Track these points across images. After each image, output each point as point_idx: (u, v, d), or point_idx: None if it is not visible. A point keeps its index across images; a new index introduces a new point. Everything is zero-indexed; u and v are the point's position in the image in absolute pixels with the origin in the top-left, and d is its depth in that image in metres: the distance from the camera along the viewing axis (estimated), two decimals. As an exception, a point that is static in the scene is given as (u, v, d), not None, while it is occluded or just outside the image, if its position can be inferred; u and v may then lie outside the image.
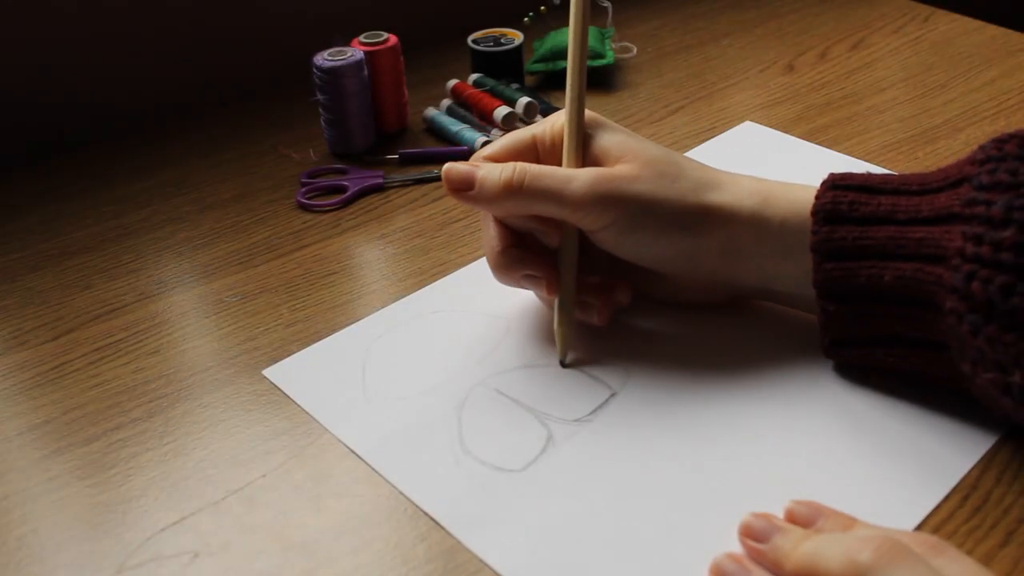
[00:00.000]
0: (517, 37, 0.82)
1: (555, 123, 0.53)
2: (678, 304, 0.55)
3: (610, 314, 0.53)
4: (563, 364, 0.52)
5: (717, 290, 0.54)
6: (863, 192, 0.48)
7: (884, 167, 0.68)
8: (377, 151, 0.75)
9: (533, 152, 0.54)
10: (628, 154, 0.51)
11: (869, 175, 0.49)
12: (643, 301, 0.55)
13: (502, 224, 0.53)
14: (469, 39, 0.82)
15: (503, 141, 0.54)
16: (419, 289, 0.59)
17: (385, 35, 0.75)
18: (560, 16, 0.86)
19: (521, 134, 0.54)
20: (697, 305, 0.55)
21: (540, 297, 0.56)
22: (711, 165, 0.53)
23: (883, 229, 0.46)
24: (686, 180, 0.50)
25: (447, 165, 0.51)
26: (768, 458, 0.46)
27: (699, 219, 0.49)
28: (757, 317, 0.55)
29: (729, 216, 0.50)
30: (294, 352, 0.55)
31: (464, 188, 0.51)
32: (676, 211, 0.49)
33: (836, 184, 0.48)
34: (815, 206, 0.48)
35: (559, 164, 0.52)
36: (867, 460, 0.45)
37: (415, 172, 0.72)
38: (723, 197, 0.50)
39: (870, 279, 0.46)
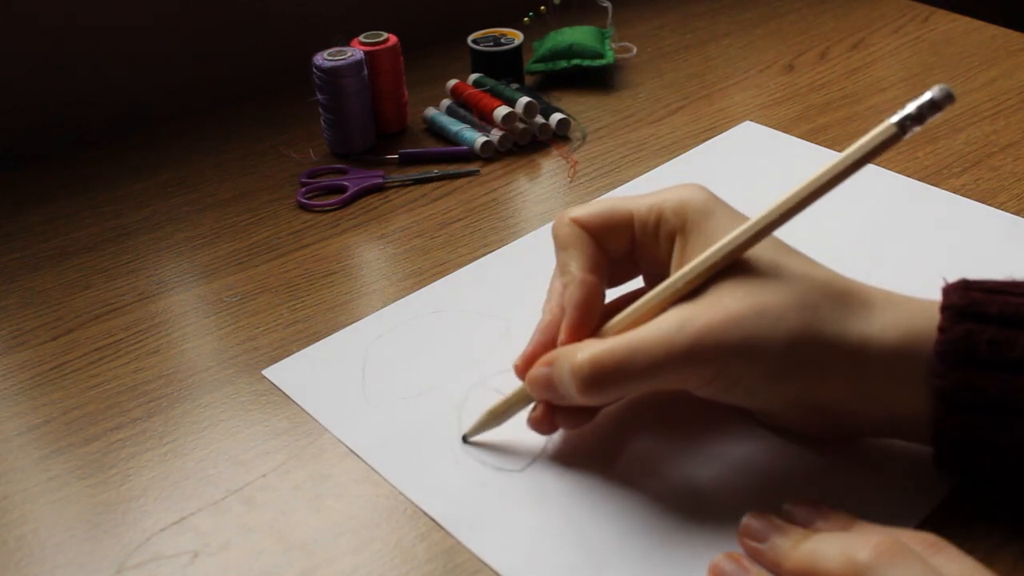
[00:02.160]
0: (517, 37, 0.82)
1: (663, 207, 0.45)
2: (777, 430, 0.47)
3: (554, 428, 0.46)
4: (465, 439, 0.48)
5: (827, 429, 0.45)
6: (1006, 327, 0.39)
7: (884, 167, 0.68)
8: (377, 151, 0.75)
9: (627, 231, 0.46)
10: (723, 279, 0.42)
11: (1007, 303, 0.40)
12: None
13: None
14: (469, 39, 0.82)
15: (596, 209, 0.46)
16: (419, 289, 0.59)
17: (385, 35, 0.75)
18: (560, 16, 0.86)
19: (618, 207, 0.46)
20: (806, 437, 0.46)
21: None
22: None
23: None
24: (799, 309, 0.41)
25: (530, 378, 0.45)
26: (767, 458, 0.46)
27: (815, 358, 0.41)
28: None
29: (856, 350, 0.41)
30: (294, 352, 0.55)
31: (552, 397, 0.44)
32: (785, 354, 0.40)
33: (968, 313, 0.40)
34: (940, 343, 0.39)
35: (658, 255, 0.46)
36: (867, 460, 0.45)
37: (415, 172, 0.72)
38: (849, 325, 0.41)
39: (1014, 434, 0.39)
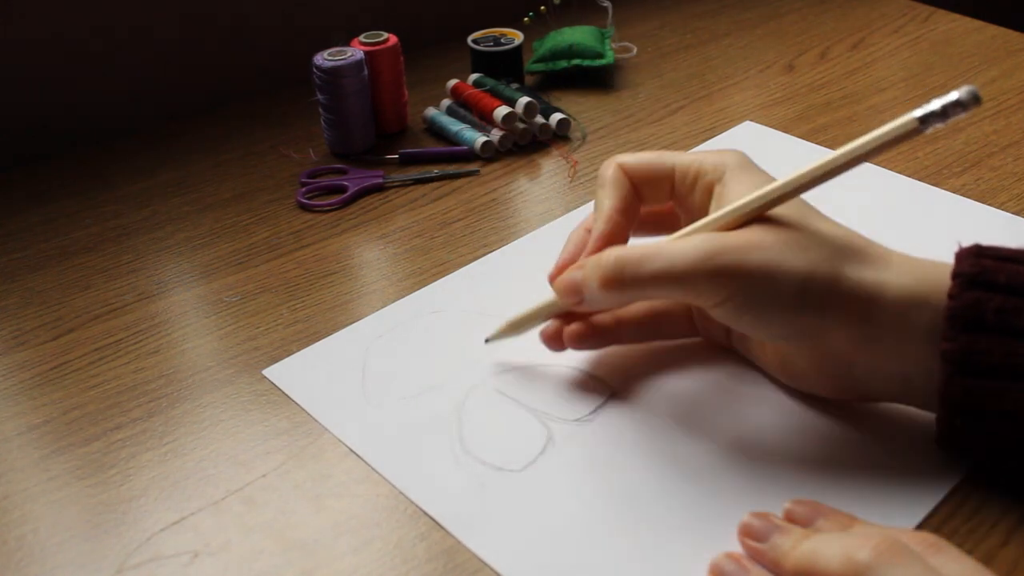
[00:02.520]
0: (517, 37, 0.82)
1: (703, 162, 0.48)
2: (790, 388, 0.49)
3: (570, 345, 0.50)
4: (486, 341, 0.53)
5: (839, 381, 0.46)
6: (1014, 295, 0.40)
7: (883, 167, 0.68)
8: (377, 151, 0.75)
9: (667, 182, 0.49)
10: (753, 223, 0.44)
11: (1017, 272, 0.41)
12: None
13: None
14: (469, 39, 0.82)
15: (642, 159, 0.50)
16: (419, 289, 0.59)
17: (385, 35, 0.75)
18: (560, 16, 0.86)
19: (663, 158, 0.49)
20: (813, 395, 0.48)
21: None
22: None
23: None
24: (819, 248, 0.43)
25: (558, 281, 0.49)
26: (767, 457, 0.46)
27: (829, 296, 0.42)
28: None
29: (870, 296, 0.42)
30: (294, 352, 0.55)
31: (576, 300, 0.48)
32: (802, 285, 0.42)
33: (977, 281, 0.41)
34: (950, 308, 0.41)
35: (693, 204, 0.49)
36: (867, 460, 0.45)
37: (415, 172, 0.72)
38: (864, 273, 0.43)
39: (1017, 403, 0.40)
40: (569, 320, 0.50)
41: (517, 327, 0.52)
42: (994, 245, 0.43)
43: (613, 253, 0.45)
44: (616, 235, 0.48)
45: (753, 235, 0.43)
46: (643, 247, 0.45)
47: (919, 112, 0.40)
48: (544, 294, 0.51)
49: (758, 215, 0.45)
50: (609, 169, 0.50)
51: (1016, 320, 0.40)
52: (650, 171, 0.49)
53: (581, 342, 0.50)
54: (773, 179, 0.46)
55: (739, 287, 0.43)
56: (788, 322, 0.43)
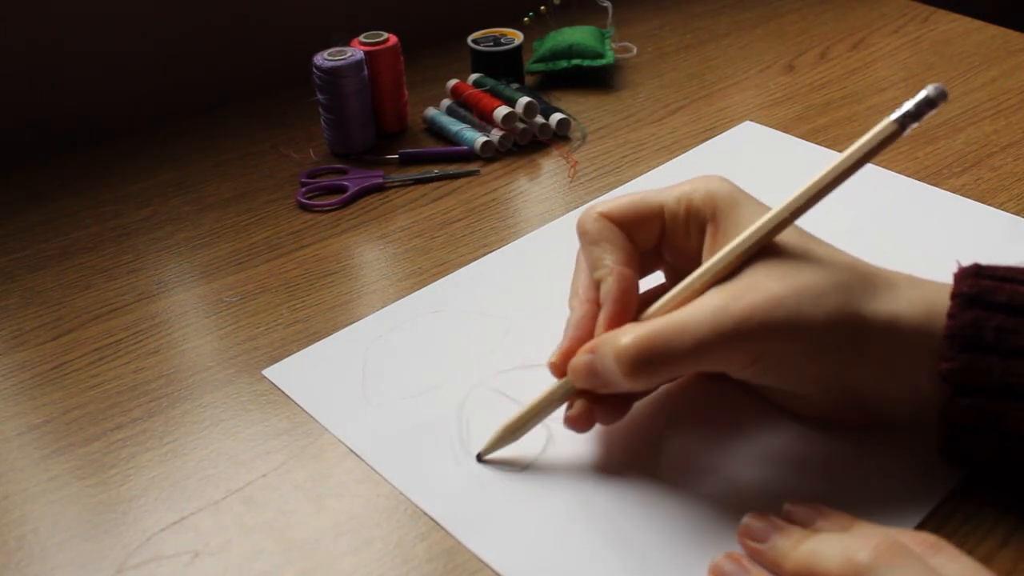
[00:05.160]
0: (517, 37, 0.82)
1: (691, 198, 0.46)
2: (803, 417, 0.47)
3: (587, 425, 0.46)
4: (479, 458, 0.47)
5: (849, 410, 0.45)
6: (1013, 315, 0.40)
7: (884, 167, 0.68)
8: (377, 151, 0.75)
9: (657, 223, 0.47)
10: (757, 263, 0.43)
11: (1016, 291, 0.41)
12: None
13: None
14: (469, 39, 0.82)
15: (624, 203, 0.47)
16: (419, 289, 0.59)
17: (385, 35, 0.75)
18: (560, 16, 0.86)
19: (647, 200, 0.47)
20: (827, 422, 0.47)
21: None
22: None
23: None
24: (835, 290, 0.42)
25: (573, 367, 0.44)
26: (768, 458, 0.46)
27: (853, 338, 0.42)
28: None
29: (888, 330, 0.42)
30: (294, 352, 0.55)
31: (593, 384, 0.44)
32: (825, 334, 0.41)
33: (976, 301, 0.41)
34: (949, 328, 0.41)
35: (687, 240, 0.47)
36: (867, 460, 0.45)
37: (415, 172, 0.72)
38: (879, 306, 0.42)
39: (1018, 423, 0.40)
40: (590, 396, 0.45)
41: (512, 433, 0.46)
42: (993, 264, 0.43)
43: (632, 339, 0.42)
44: (631, 291, 0.45)
45: (770, 287, 0.42)
46: (662, 324, 0.42)
47: (895, 115, 0.42)
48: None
49: (758, 249, 0.43)
50: (592, 223, 0.46)
51: (1015, 339, 0.40)
52: (637, 216, 0.47)
53: (613, 416, 0.46)
54: (764, 206, 0.45)
55: (766, 348, 0.42)
56: (813, 373, 0.43)
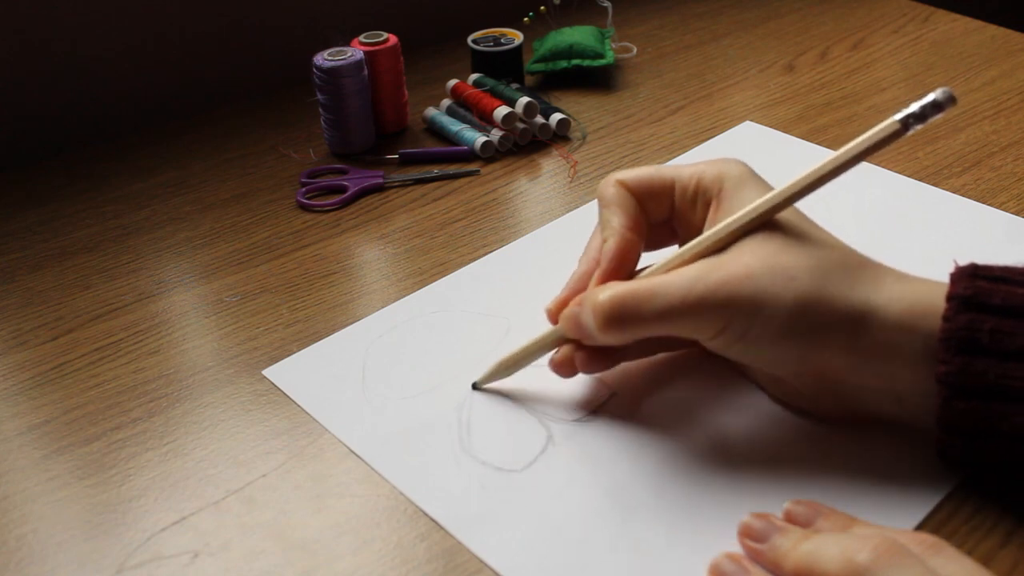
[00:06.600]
0: (517, 37, 0.82)
1: (703, 176, 0.48)
2: (788, 408, 0.48)
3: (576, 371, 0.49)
4: (475, 386, 0.51)
5: (831, 403, 0.46)
6: (1008, 317, 0.40)
7: (883, 167, 0.68)
8: (377, 151, 0.75)
9: (668, 196, 0.48)
10: (748, 239, 0.44)
11: (1011, 293, 0.41)
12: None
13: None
14: (469, 39, 0.82)
15: (641, 174, 0.49)
16: (419, 289, 0.59)
17: (385, 35, 0.75)
18: (560, 16, 0.86)
19: (662, 172, 0.49)
20: (811, 415, 0.48)
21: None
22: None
23: None
24: (808, 273, 0.42)
25: (564, 316, 0.47)
26: (767, 458, 0.46)
27: (817, 323, 0.42)
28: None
29: (858, 319, 0.42)
30: (294, 352, 0.55)
31: (579, 334, 0.47)
32: (790, 315, 0.42)
33: (972, 303, 0.41)
34: (944, 331, 0.40)
35: (694, 220, 0.48)
36: (867, 460, 0.45)
37: (415, 172, 0.72)
38: (853, 294, 0.42)
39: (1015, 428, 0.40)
40: (576, 344, 0.48)
41: (507, 368, 0.50)
42: (989, 264, 0.42)
43: (608, 295, 0.44)
44: (629, 253, 0.47)
45: (747, 262, 0.43)
46: (638, 284, 0.44)
47: (899, 115, 0.43)
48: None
49: (751, 228, 0.44)
50: (609, 188, 0.49)
51: (1011, 341, 0.40)
52: (651, 186, 0.49)
53: (593, 365, 0.48)
54: (772, 189, 0.46)
55: (731, 320, 0.43)
56: (779, 353, 0.44)
